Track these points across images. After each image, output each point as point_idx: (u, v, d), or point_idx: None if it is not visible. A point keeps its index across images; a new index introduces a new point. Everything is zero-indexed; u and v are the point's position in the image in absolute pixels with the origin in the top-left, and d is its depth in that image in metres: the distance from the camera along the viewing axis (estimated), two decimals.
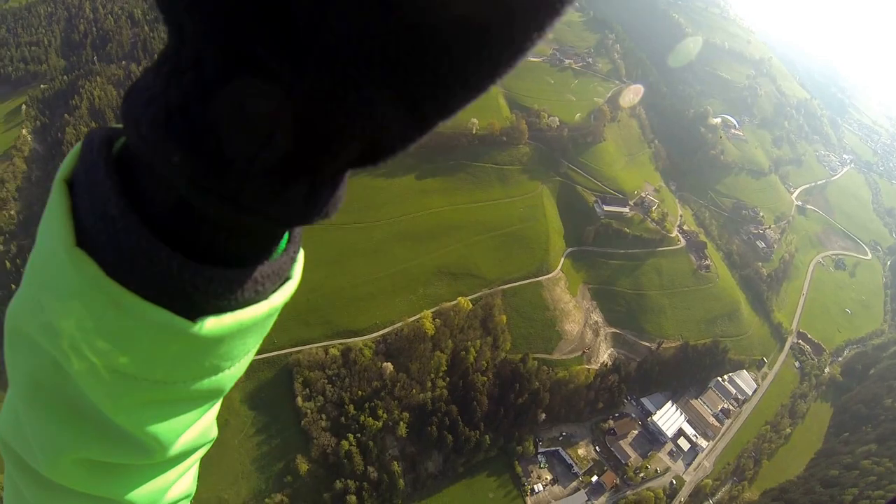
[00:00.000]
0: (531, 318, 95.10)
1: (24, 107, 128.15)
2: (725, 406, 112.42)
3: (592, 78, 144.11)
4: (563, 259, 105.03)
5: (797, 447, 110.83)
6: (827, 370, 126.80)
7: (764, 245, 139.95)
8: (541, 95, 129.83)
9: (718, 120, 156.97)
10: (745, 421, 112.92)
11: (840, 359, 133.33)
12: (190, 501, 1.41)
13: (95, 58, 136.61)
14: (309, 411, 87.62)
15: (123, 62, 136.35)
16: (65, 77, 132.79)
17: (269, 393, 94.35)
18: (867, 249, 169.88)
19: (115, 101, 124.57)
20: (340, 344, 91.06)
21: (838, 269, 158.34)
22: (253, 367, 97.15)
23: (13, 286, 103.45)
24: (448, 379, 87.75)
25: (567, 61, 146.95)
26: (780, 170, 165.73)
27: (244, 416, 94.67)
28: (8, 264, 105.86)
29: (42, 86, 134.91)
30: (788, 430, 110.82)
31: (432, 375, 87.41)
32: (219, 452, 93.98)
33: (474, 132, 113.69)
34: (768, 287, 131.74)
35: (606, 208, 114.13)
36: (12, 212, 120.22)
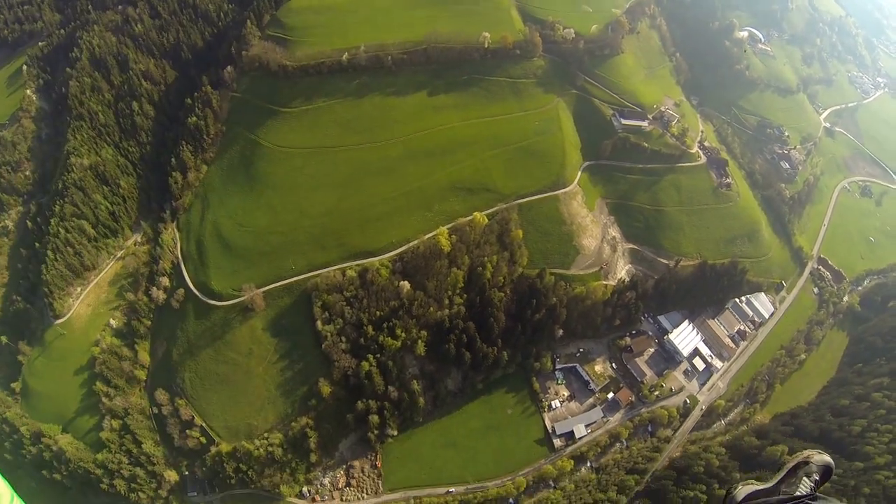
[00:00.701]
0: (548, 233, 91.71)
1: (24, 67, 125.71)
2: (742, 328, 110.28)
3: None
4: (579, 173, 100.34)
5: (810, 374, 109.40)
6: (846, 299, 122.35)
7: (788, 166, 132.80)
8: (555, 7, 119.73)
9: (745, 34, 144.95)
10: (761, 344, 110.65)
11: (860, 288, 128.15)
12: None
13: (90, 6, 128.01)
14: (329, 334, 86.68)
15: (120, 6, 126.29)
16: (62, 31, 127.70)
17: (290, 319, 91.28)
18: None
19: (115, 47, 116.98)
20: (357, 265, 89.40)
21: (864, 195, 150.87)
22: (272, 295, 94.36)
23: (36, 244, 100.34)
24: (465, 296, 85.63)
25: None
26: (808, 89, 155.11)
27: (267, 344, 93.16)
28: (29, 223, 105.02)
29: (40, 43, 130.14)
30: (803, 357, 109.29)
31: (449, 292, 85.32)
32: (244, 381, 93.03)
33: (486, 46, 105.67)
34: (790, 209, 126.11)
35: (624, 122, 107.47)
36: (27, 172, 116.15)
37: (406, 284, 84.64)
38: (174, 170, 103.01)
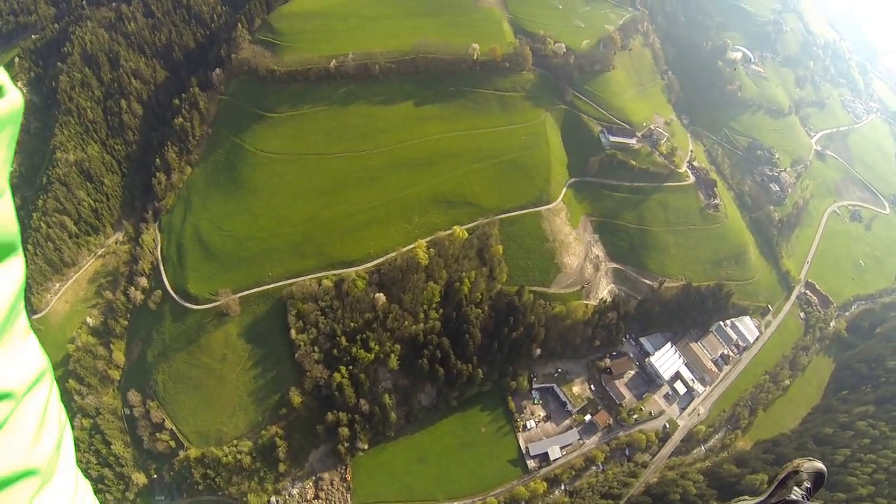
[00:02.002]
0: (529, 250, 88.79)
1: (17, 59, 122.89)
2: (725, 352, 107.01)
3: (604, 4, 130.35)
4: (564, 189, 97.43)
5: (794, 400, 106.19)
6: (832, 324, 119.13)
7: (778, 188, 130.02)
8: (547, 21, 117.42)
9: (738, 54, 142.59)
10: (745, 369, 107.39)
11: (847, 314, 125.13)
12: None
13: (85, 2, 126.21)
14: (302, 343, 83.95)
15: (114, 3, 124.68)
16: (55, 25, 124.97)
17: (265, 326, 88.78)
18: (886, 203, 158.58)
19: (107, 44, 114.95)
20: (334, 275, 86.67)
21: (854, 220, 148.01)
22: (249, 301, 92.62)
23: None
24: (441, 310, 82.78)
25: None
26: (800, 111, 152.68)
27: (241, 350, 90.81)
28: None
29: (34, 36, 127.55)
30: (787, 382, 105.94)
31: (425, 307, 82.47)
32: (217, 386, 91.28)
33: (475, 58, 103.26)
34: (779, 232, 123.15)
35: (612, 139, 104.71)
36: (15, 165, 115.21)
37: (382, 297, 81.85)
38: (158, 170, 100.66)
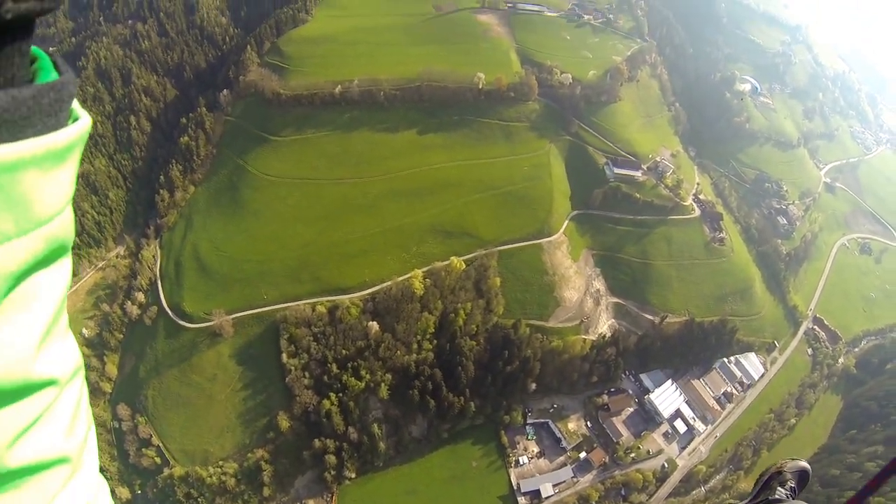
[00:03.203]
0: (528, 283, 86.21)
1: None
2: (728, 389, 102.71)
3: (612, 35, 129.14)
4: (566, 222, 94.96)
5: (800, 440, 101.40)
6: (841, 360, 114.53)
7: (785, 221, 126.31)
8: (555, 51, 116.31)
9: (747, 86, 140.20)
10: (748, 407, 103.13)
11: (856, 350, 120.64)
12: None
13: (102, 18, 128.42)
14: (293, 368, 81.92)
15: (130, 21, 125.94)
16: (73, 39, 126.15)
17: (257, 349, 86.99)
18: None
19: (121, 60, 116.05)
20: (328, 301, 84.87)
21: (864, 253, 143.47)
22: (242, 323, 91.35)
23: None
24: (435, 342, 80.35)
25: (586, 17, 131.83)
26: (809, 143, 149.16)
27: (231, 371, 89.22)
28: None
29: (51, 48, 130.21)
30: (793, 421, 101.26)
31: (418, 337, 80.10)
32: (206, 405, 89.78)
33: (480, 87, 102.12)
34: (786, 266, 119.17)
35: (617, 171, 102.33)
36: None
37: (375, 325, 79.81)
38: (162, 187, 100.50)
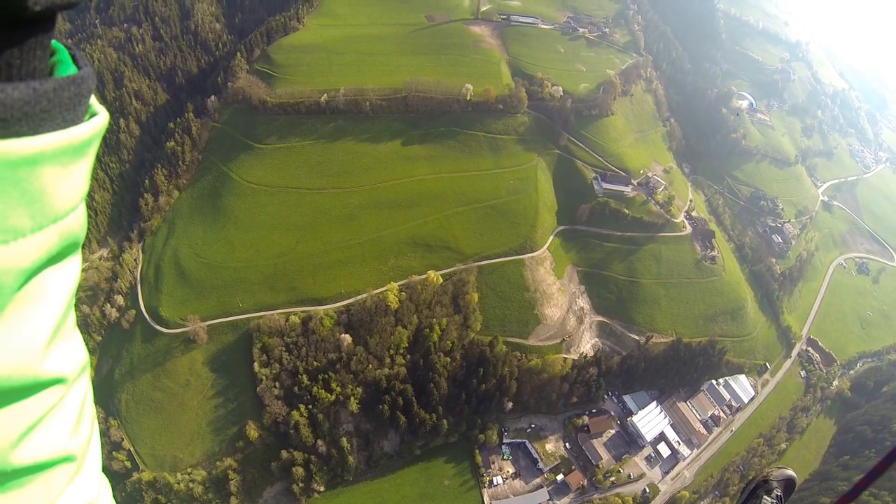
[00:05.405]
0: (508, 299, 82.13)
1: None
2: (716, 412, 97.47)
3: (607, 49, 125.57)
4: (551, 237, 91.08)
5: (791, 466, 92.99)
6: (835, 383, 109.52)
7: (781, 240, 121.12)
8: (548, 64, 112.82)
9: (745, 102, 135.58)
10: (737, 431, 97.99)
11: (851, 372, 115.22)
12: None
13: (98, 20, 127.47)
14: (265, 378, 78.95)
15: (125, 24, 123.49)
16: (69, 40, 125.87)
17: (230, 356, 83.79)
18: (894, 255, 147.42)
19: (114, 63, 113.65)
20: (302, 312, 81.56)
21: (861, 273, 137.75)
22: (217, 330, 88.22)
23: None
24: (408, 357, 76.54)
25: (581, 30, 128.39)
26: (807, 161, 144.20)
27: (204, 378, 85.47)
28: None
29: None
30: (784, 446, 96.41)
31: (391, 352, 76.37)
32: (177, 411, 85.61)
33: (468, 98, 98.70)
34: (780, 286, 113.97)
35: (605, 186, 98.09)
36: None
37: (347, 338, 76.35)
38: (147, 191, 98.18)
